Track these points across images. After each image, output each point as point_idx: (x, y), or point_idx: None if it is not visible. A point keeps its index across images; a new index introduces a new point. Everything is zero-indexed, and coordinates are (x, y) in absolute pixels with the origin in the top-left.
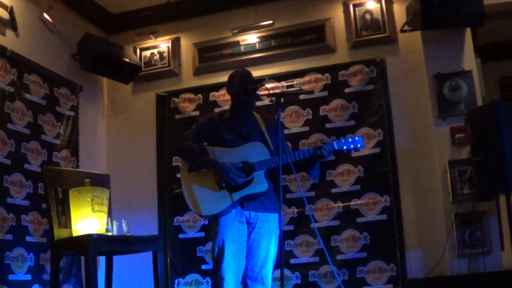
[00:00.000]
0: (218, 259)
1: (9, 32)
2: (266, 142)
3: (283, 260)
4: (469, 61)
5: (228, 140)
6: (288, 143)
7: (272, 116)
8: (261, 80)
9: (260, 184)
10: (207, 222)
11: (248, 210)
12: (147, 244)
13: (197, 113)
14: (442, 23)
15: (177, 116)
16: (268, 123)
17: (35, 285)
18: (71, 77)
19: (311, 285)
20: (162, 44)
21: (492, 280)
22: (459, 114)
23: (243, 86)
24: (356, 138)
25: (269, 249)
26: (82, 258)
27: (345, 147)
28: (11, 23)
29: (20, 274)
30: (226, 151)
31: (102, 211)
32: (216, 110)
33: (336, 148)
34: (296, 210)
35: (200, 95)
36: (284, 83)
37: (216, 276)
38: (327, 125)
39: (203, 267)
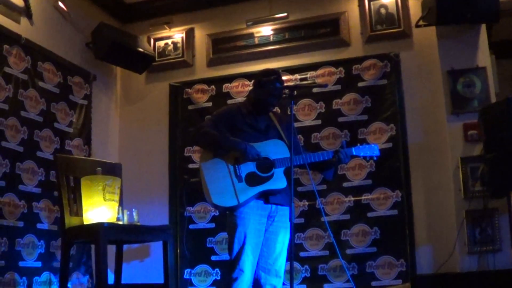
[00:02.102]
0: (239, 252)
1: (23, 20)
2: (281, 138)
3: (292, 253)
4: (484, 57)
5: (246, 134)
6: (301, 136)
7: (283, 113)
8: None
9: (279, 181)
10: (217, 214)
11: (271, 204)
12: (157, 234)
13: (209, 104)
14: (457, 18)
15: (190, 107)
16: (281, 120)
17: (45, 272)
18: (85, 66)
19: (320, 278)
20: (176, 34)
21: (502, 278)
22: (473, 110)
23: (279, 93)
24: (372, 146)
25: (285, 242)
26: (92, 246)
27: (361, 154)
28: (26, 11)
29: (31, 261)
30: None
31: (113, 200)
32: (229, 101)
33: (354, 153)
34: (307, 203)
35: (213, 86)
36: (297, 76)
37: (234, 269)
38: (340, 119)
39: (213, 258)
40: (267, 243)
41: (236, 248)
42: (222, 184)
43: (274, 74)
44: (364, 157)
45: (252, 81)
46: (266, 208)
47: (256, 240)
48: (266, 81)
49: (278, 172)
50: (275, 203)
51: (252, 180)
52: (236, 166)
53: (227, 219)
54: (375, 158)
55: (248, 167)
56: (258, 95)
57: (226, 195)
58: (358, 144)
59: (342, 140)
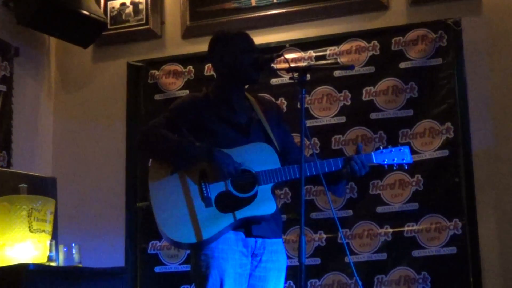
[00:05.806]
0: None
1: None
2: (268, 137)
3: None
4: None
5: (219, 135)
6: (316, 140)
7: (269, 99)
8: (280, 48)
9: (266, 204)
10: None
11: (255, 237)
12: (108, 280)
13: (185, 92)
14: None
15: (157, 96)
16: (266, 110)
17: None
18: (2, 35)
19: None
20: None
21: None
22: None
23: (252, 56)
24: (401, 150)
25: None
26: None
27: (385, 161)
28: None
29: None
30: None
31: (43, 231)
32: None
33: (374, 161)
34: (324, 236)
35: (190, 67)
36: (312, 53)
37: None
38: (373, 115)
39: None
40: None
41: None
42: (180, 210)
43: (233, 34)
44: (390, 166)
45: (208, 51)
46: (248, 244)
47: None
48: (222, 45)
49: (264, 190)
50: (259, 236)
51: (225, 203)
52: (203, 184)
53: (191, 261)
54: (405, 167)
55: (220, 185)
56: (224, 68)
57: (185, 226)
58: (381, 148)
59: (358, 144)
